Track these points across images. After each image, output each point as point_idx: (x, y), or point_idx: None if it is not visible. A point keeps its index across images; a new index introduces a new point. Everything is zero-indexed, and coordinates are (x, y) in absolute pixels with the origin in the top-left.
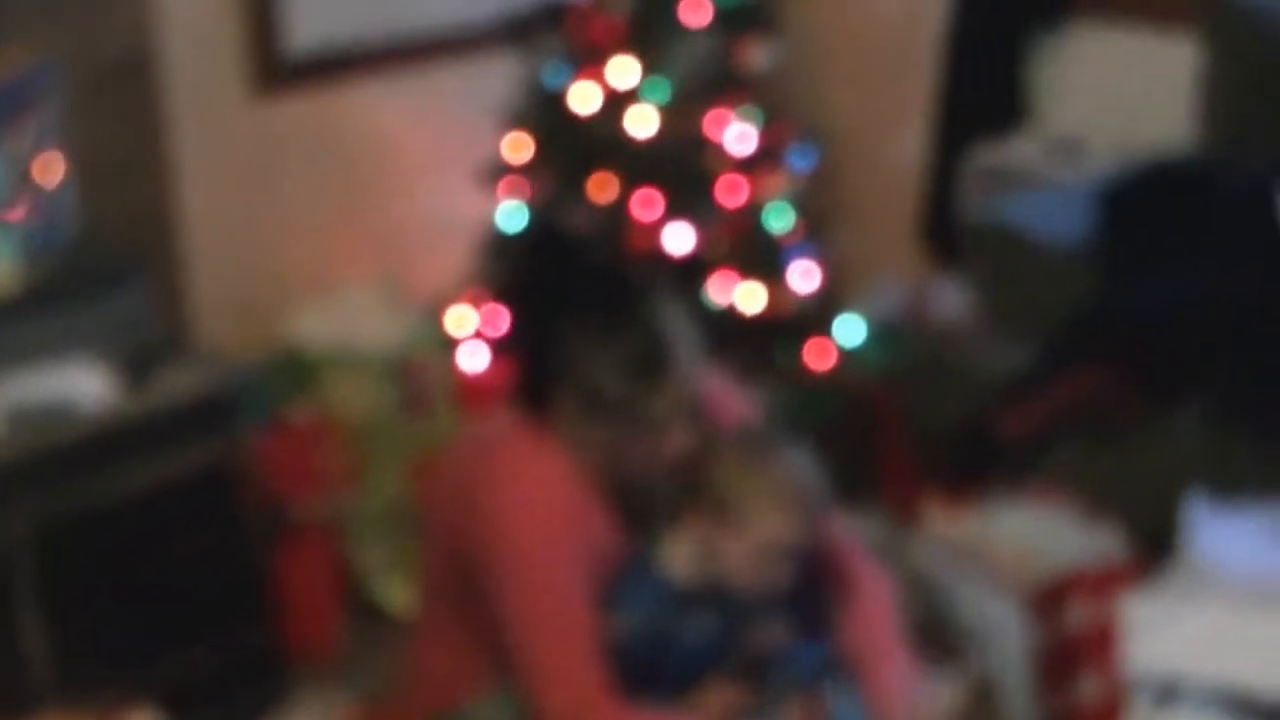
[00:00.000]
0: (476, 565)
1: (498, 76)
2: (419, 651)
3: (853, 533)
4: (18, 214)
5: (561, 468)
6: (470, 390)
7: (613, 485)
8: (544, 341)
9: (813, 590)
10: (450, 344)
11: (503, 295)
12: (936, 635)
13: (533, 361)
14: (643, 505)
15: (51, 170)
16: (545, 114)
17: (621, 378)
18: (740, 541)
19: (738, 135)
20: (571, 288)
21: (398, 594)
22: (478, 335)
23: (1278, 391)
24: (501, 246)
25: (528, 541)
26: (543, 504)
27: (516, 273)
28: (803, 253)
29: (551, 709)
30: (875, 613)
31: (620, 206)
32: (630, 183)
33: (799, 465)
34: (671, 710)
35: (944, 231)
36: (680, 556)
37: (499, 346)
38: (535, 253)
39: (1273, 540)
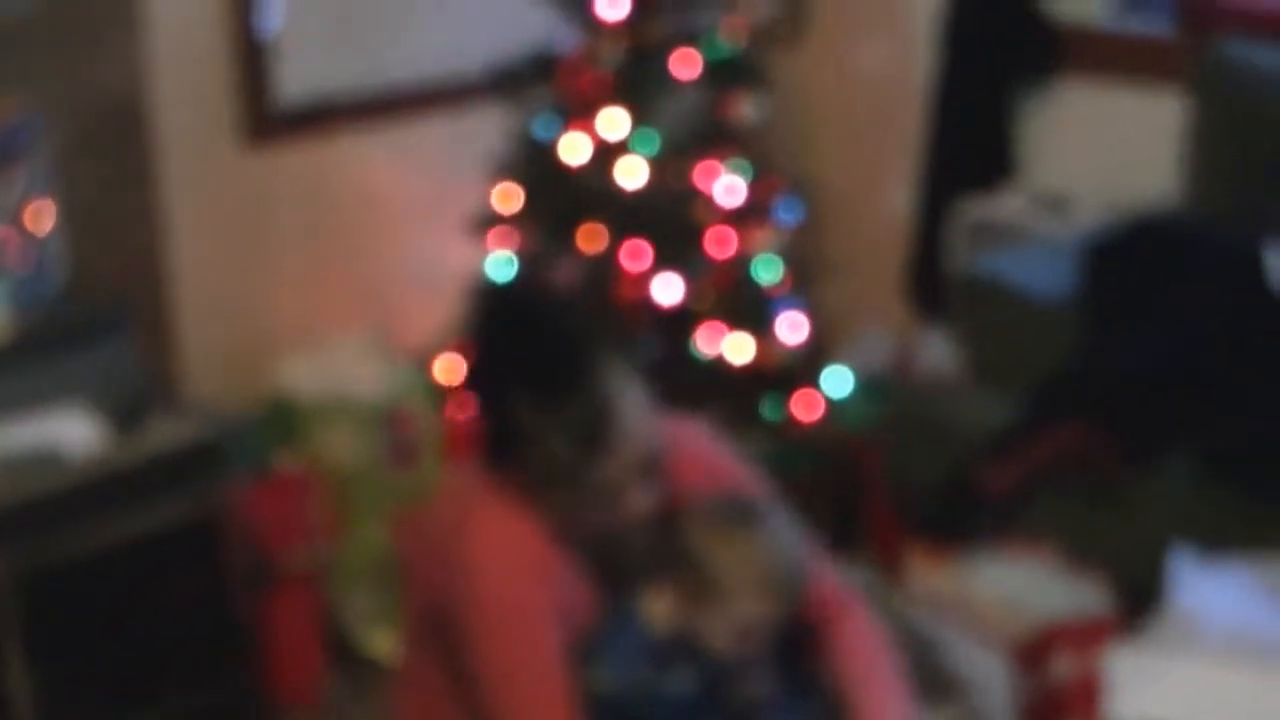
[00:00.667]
0: (452, 619)
1: (487, 127)
2: (401, 701)
3: (838, 574)
4: (13, 263)
5: (529, 527)
6: (458, 440)
7: (583, 545)
8: (497, 407)
9: (798, 645)
10: (438, 394)
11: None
12: (923, 687)
13: (490, 426)
14: (617, 563)
15: (42, 219)
16: (534, 165)
17: (568, 445)
18: (720, 618)
19: (726, 188)
20: (518, 355)
21: (382, 643)
22: (466, 385)
23: (1262, 448)
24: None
25: (498, 596)
26: (512, 560)
27: (469, 337)
28: (790, 305)
29: None
30: (863, 647)
31: (609, 257)
32: (619, 234)
33: (780, 536)
34: None
35: (930, 285)
36: (660, 613)
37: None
38: (488, 317)
39: (1256, 595)
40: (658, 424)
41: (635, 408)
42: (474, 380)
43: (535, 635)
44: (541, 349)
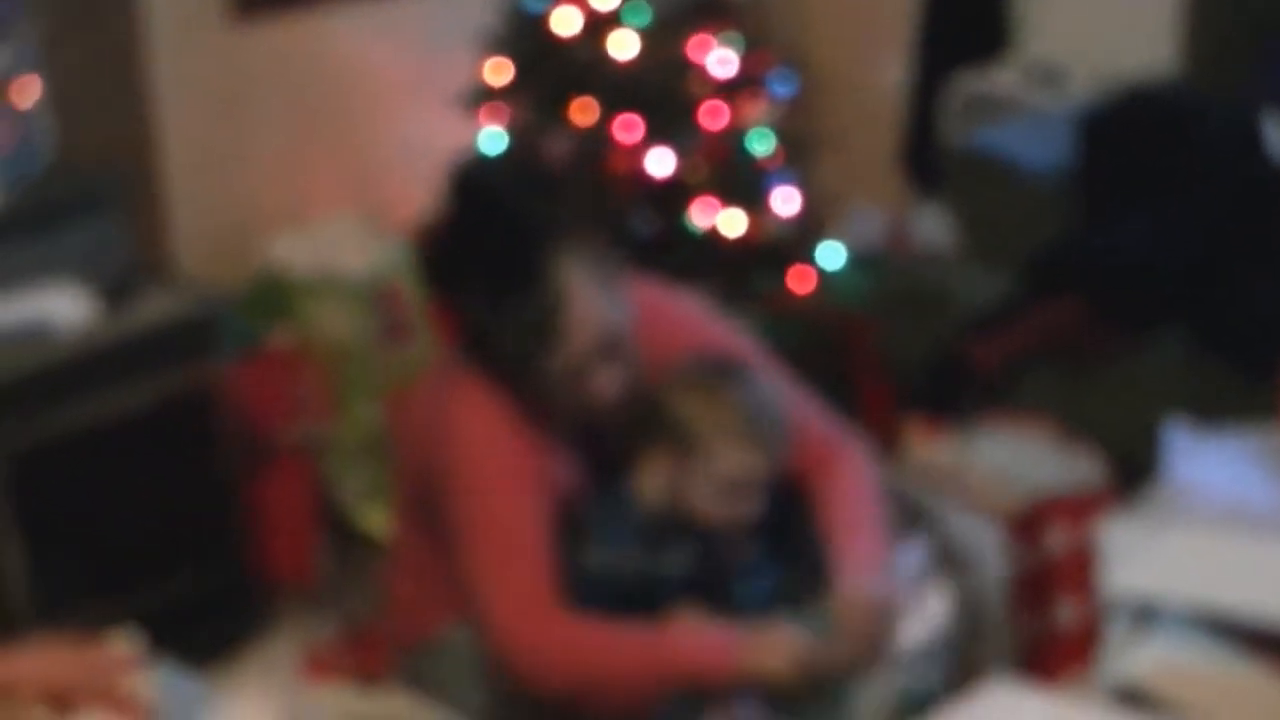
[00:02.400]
0: (438, 487)
1: (474, 2)
2: (395, 580)
3: (831, 420)
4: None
5: (502, 406)
6: (444, 320)
7: (565, 428)
8: (458, 302)
9: (785, 516)
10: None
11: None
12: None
13: (455, 319)
14: (604, 445)
15: (28, 94)
16: (525, 39)
17: (521, 337)
18: (704, 477)
19: (719, 60)
20: (472, 247)
21: (377, 520)
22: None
23: (1254, 320)
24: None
25: (478, 458)
26: (491, 427)
27: (430, 227)
28: (783, 179)
29: (492, 616)
30: (850, 489)
31: (601, 131)
32: (611, 107)
33: (760, 390)
34: (621, 624)
35: (924, 160)
36: (651, 489)
37: None
38: (448, 206)
39: (1248, 465)
40: (622, 302)
41: (590, 293)
42: (438, 270)
43: (511, 495)
44: (494, 242)
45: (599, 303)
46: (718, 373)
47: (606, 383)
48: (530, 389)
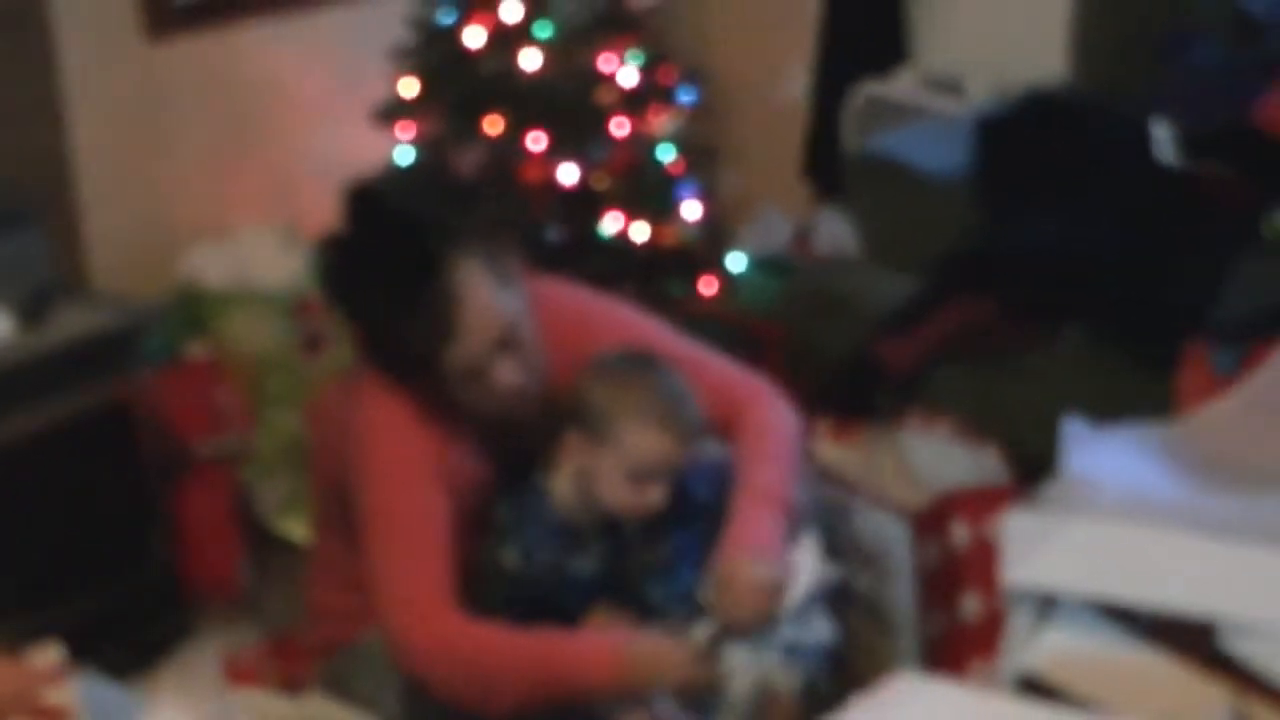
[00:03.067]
0: (347, 485)
1: (390, 16)
2: (315, 587)
3: (755, 375)
4: None
5: (404, 407)
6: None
7: (477, 427)
8: (353, 308)
9: (698, 516)
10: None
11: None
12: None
13: (352, 326)
14: (516, 442)
15: None
16: (437, 53)
17: (416, 338)
18: (614, 462)
19: (625, 73)
20: (366, 255)
21: (296, 528)
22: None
23: (1149, 319)
24: None
25: (384, 454)
26: (396, 426)
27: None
28: (690, 187)
29: (388, 612)
30: (764, 423)
31: (513, 142)
32: (521, 119)
33: (675, 383)
34: (505, 626)
35: (827, 166)
36: (564, 490)
37: None
38: (344, 218)
39: (1145, 457)
40: (518, 296)
41: (484, 290)
42: (334, 280)
43: (411, 493)
44: (388, 246)
45: (494, 297)
46: (630, 362)
47: (507, 373)
48: (433, 387)
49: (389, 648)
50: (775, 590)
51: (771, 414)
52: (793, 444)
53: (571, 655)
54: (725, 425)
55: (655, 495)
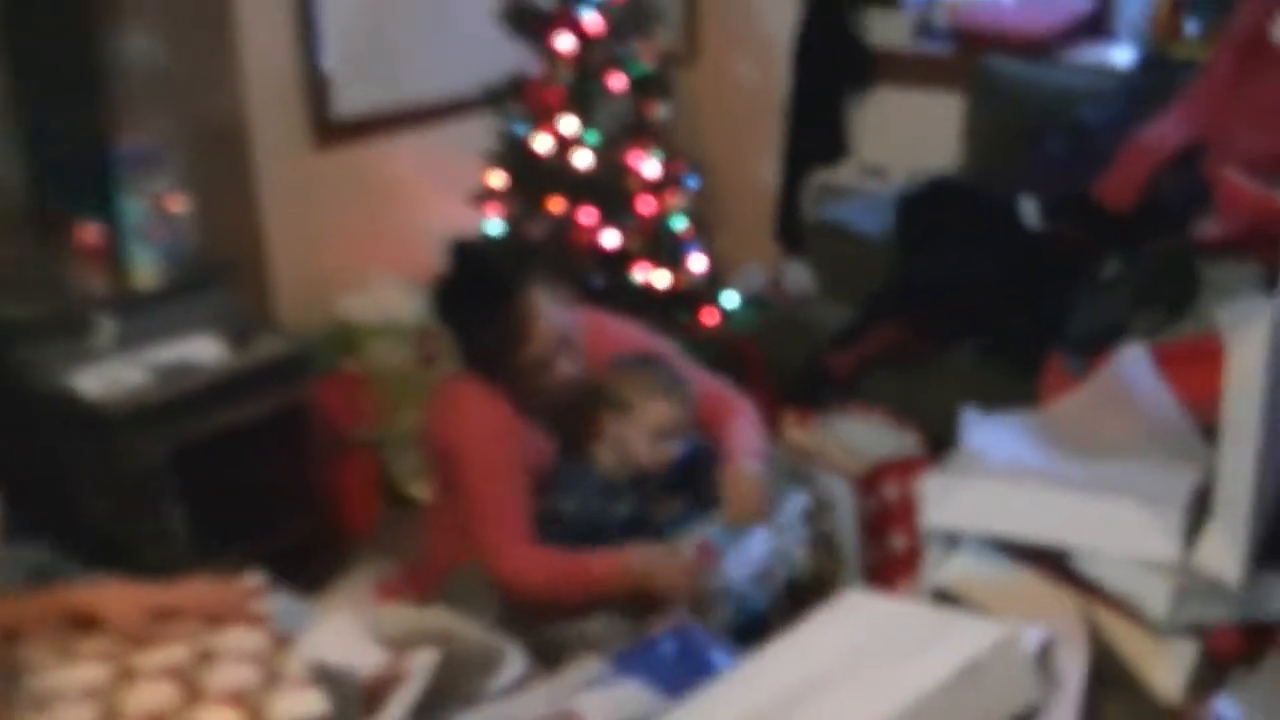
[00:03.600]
0: (452, 463)
1: (482, 129)
2: (431, 532)
3: (729, 388)
4: (156, 234)
5: (491, 399)
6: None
7: (542, 414)
8: (454, 326)
9: (701, 481)
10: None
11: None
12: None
13: (454, 339)
14: (570, 424)
15: (177, 203)
16: (514, 155)
17: (500, 340)
18: (638, 428)
19: (648, 166)
20: (462, 287)
21: (420, 490)
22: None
23: (1021, 336)
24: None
25: (476, 440)
26: (483, 417)
27: (437, 281)
28: (695, 247)
29: (485, 547)
30: (741, 423)
31: (568, 217)
32: (574, 200)
33: (672, 370)
34: (559, 551)
35: (792, 230)
36: (604, 457)
37: None
38: (448, 265)
39: (1022, 436)
40: (569, 314)
41: (548, 308)
42: (440, 307)
43: (499, 467)
44: (477, 281)
45: (553, 313)
46: (639, 359)
47: (565, 366)
48: (513, 382)
49: (488, 572)
50: (766, 487)
51: (746, 415)
52: (762, 434)
53: (596, 567)
54: (711, 424)
55: (671, 449)
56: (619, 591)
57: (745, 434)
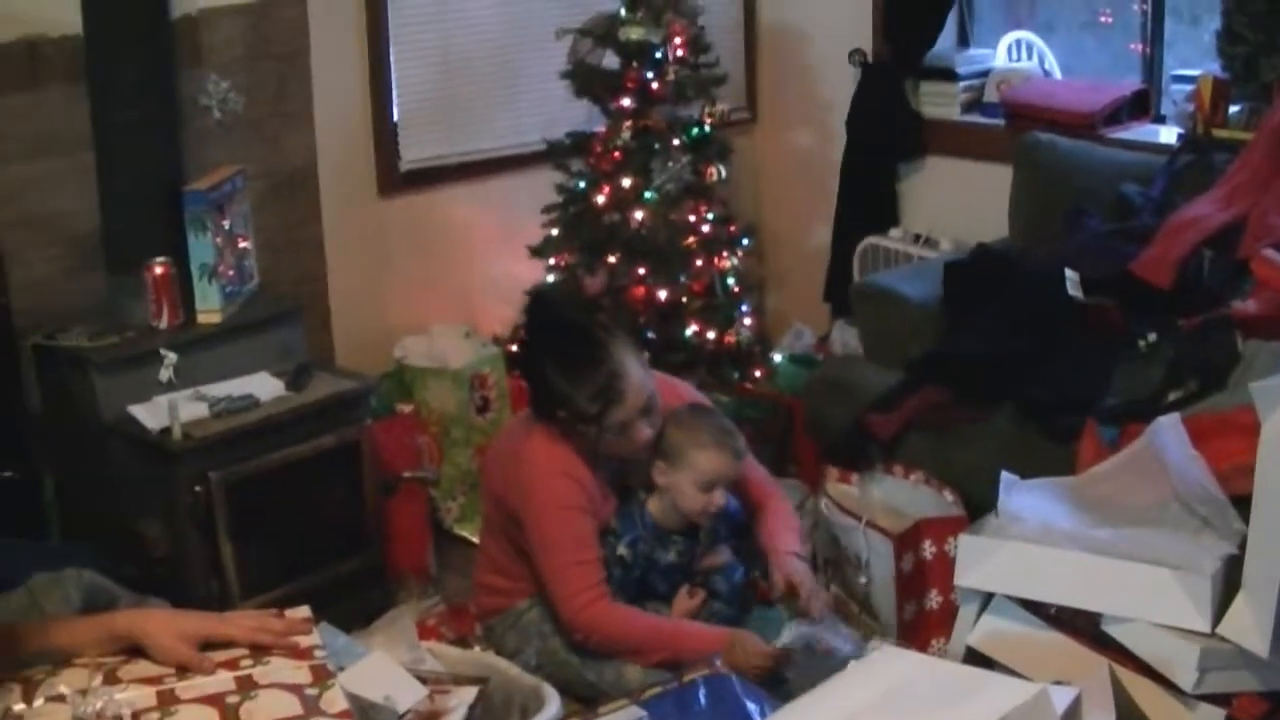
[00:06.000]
0: (516, 511)
1: (543, 183)
2: (481, 571)
3: (764, 471)
4: (224, 274)
5: (565, 448)
6: (518, 395)
7: (605, 465)
8: (538, 378)
9: (741, 524)
10: (508, 364)
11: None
12: (835, 562)
13: (534, 390)
14: (628, 477)
15: (245, 245)
16: (574, 209)
17: (590, 401)
18: (690, 476)
19: (703, 226)
20: (550, 341)
21: (469, 531)
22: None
23: (1058, 405)
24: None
25: (544, 496)
26: (552, 468)
27: (517, 329)
28: (746, 306)
29: (561, 600)
30: (779, 512)
31: (626, 272)
32: (632, 256)
33: (722, 418)
34: (643, 611)
35: (841, 293)
36: (655, 505)
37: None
38: (529, 315)
39: (1055, 501)
40: (652, 379)
41: (636, 370)
42: (522, 357)
43: (570, 516)
44: (566, 336)
45: (642, 375)
46: (691, 410)
47: (645, 432)
48: (587, 436)
49: (564, 626)
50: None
51: (784, 504)
52: (799, 524)
53: (690, 639)
54: (750, 505)
55: (719, 499)
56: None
57: (787, 535)
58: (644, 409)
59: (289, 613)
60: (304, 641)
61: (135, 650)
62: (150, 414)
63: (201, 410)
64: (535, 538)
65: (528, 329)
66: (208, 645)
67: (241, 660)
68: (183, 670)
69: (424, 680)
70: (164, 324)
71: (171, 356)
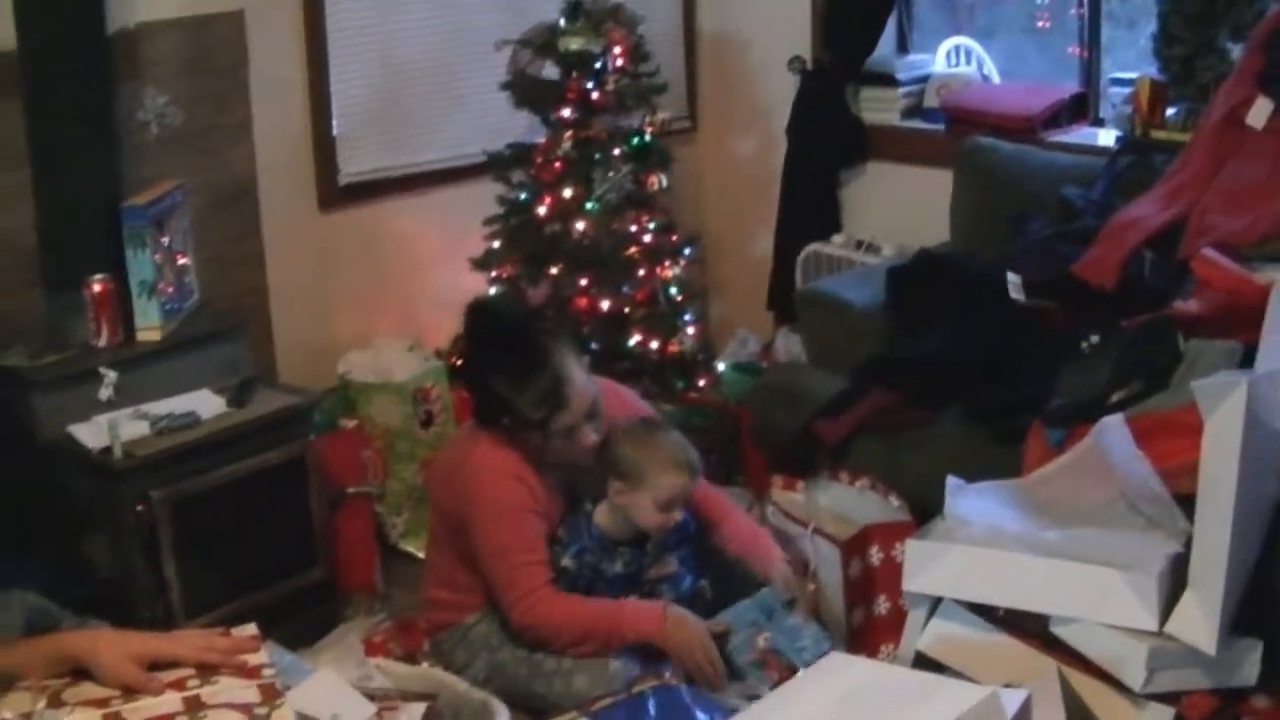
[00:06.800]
0: (464, 519)
1: (485, 195)
2: (429, 586)
3: (715, 488)
4: (165, 290)
5: (511, 456)
6: (462, 408)
7: (553, 472)
8: (481, 386)
9: (694, 545)
10: (451, 377)
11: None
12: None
13: (478, 398)
14: (576, 484)
15: (185, 261)
16: (517, 221)
17: (535, 407)
18: (649, 496)
19: (646, 236)
20: (492, 348)
21: (415, 546)
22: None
23: (1003, 408)
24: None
25: (491, 499)
26: (499, 475)
27: (459, 338)
28: (690, 314)
29: (510, 602)
30: (740, 518)
31: (568, 282)
32: (575, 267)
33: (681, 439)
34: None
35: (784, 300)
36: (603, 516)
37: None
38: (469, 323)
39: (1002, 504)
40: (595, 384)
41: (579, 375)
42: (466, 366)
43: (518, 518)
44: (508, 342)
45: (585, 380)
46: (646, 425)
47: (591, 434)
48: (533, 443)
49: (509, 614)
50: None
51: (738, 511)
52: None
53: (631, 619)
54: (701, 513)
55: (678, 515)
56: (644, 640)
57: (754, 534)
58: (589, 413)
59: (235, 631)
60: (252, 660)
61: (80, 672)
62: (91, 433)
63: (143, 429)
64: (482, 541)
65: (468, 337)
66: (154, 665)
67: (189, 680)
68: (129, 692)
69: (372, 697)
70: (104, 342)
71: (112, 375)
